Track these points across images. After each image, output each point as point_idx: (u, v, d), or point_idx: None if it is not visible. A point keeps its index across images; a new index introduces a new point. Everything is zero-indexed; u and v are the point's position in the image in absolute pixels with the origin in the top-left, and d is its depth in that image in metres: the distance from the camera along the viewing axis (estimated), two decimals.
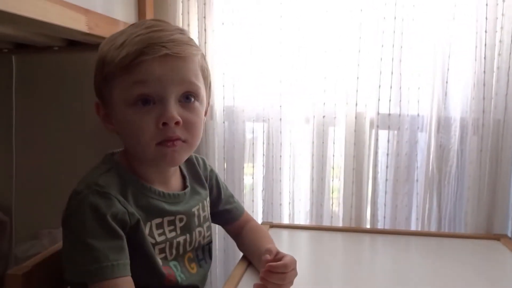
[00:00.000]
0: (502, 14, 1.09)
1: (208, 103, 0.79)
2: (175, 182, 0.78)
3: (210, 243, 0.83)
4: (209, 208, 0.84)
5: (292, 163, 1.24)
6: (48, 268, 0.73)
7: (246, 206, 1.22)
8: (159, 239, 0.71)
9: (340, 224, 1.22)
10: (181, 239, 0.75)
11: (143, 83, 0.66)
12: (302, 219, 1.26)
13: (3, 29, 1.01)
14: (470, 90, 1.13)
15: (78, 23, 0.90)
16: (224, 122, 1.24)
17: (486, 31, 1.09)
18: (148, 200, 0.71)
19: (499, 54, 1.10)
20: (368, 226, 1.21)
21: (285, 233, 1.13)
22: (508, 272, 0.90)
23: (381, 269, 0.93)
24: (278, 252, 0.75)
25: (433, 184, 1.17)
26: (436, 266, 0.91)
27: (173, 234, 0.74)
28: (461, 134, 1.15)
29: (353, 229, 1.16)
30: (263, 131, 1.24)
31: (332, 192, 1.23)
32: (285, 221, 1.25)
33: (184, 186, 0.79)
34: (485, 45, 1.10)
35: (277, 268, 0.71)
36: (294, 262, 0.74)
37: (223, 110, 1.24)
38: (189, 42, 0.70)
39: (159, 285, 0.71)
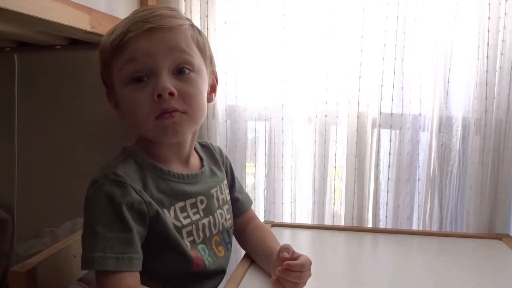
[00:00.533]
0: (505, 14, 1.09)
1: (216, 80, 0.80)
2: (193, 162, 0.79)
3: (232, 227, 0.84)
4: (227, 191, 0.85)
5: (294, 162, 1.24)
6: (51, 266, 0.74)
7: None
8: (185, 222, 0.72)
9: (341, 223, 1.22)
10: (205, 221, 0.76)
11: (133, 60, 0.67)
12: (303, 218, 1.26)
13: (6, 27, 1.01)
14: (472, 90, 1.13)
15: (81, 22, 0.90)
16: (226, 121, 1.25)
17: (488, 31, 1.09)
18: (168, 184, 0.72)
19: (501, 54, 1.10)
20: (369, 226, 1.21)
21: (286, 232, 1.12)
22: (510, 271, 0.90)
23: (382, 268, 0.93)
24: (293, 252, 0.75)
25: (435, 184, 1.17)
26: (438, 265, 0.91)
27: (197, 216, 0.75)
28: (463, 134, 1.15)
29: (355, 229, 1.16)
30: (265, 130, 1.24)
31: (334, 191, 1.23)
32: (287, 220, 1.25)
33: (202, 166, 0.80)
34: (488, 44, 1.09)
35: (295, 266, 0.72)
36: (310, 262, 0.74)
37: (225, 109, 1.24)
38: (175, 16, 0.71)
39: (187, 271, 0.71)
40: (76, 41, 1.23)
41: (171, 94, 0.67)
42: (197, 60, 0.72)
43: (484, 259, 0.96)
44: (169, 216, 0.70)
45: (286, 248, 0.75)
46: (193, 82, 0.70)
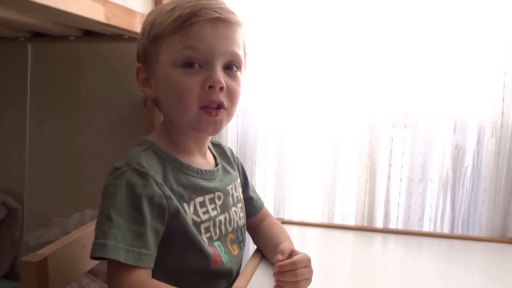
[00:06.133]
0: None
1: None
2: (209, 158, 0.80)
3: (245, 225, 0.84)
4: (240, 190, 0.85)
5: (305, 159, 1.23)
6: (62, 257, 0.74)
7: None
8: (203, 217, 0.72)
9: (352, 222, 1.21)
10: (222, 217, 0.76)
11: (193, 48, 0.68)
12: (313, 216, 1.25)
13: (21, 17, 1.02)
14: (488, 91, 1.11)
15: (96, 13, 0.90)
16: (237, 116, 1.24)
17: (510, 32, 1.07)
18: (188, 178, 0.72)
19: None
20: (380, 226, 1.20)
21: (296, 229, 1.12)
22: None
23: (391, 269, 0.92)
24: (292, 251, 0.74)
25: (448, 185, 1.16)
26: (447, 268, 0.90)
27: (215, 212, 0.75)
28: (478, 136, 1.13)
29: (365, 228, 1.15)
30: (276, 126, 1.23)
31: (345, 190, 1.22)
32: (296, 217, 1.24)
33: (216, 164, 0.81)
34: (507, 45, 1.07)
35: (286, 266, 0.70)
36: (306, 259, 0.72)
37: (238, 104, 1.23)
38: (236, 14, 0.73)
39: (205, 269, 0.71)
40: (90, 33, 1.23)
41: (221, 88, 0.69)
42: (243, 61, 0.74)
43: (495, 263, 0.95)
44: (188, 211, 0.70)
45: (281, 251, 0.73)
46: (238, 80, 0.73)
